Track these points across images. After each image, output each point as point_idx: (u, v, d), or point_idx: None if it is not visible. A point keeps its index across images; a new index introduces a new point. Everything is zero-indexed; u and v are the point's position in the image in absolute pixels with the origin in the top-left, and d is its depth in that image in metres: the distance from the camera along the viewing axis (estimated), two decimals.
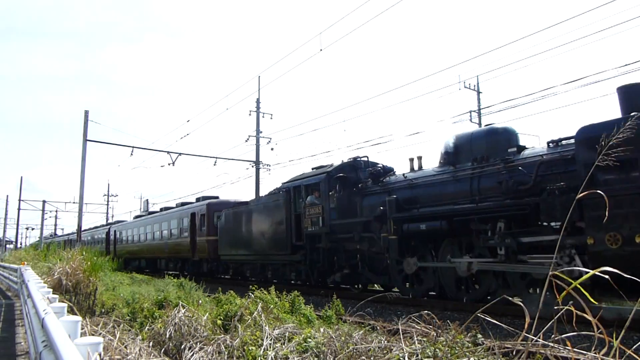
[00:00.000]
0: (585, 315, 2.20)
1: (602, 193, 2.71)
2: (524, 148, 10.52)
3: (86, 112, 23.11)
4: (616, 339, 2.15)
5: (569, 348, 2.44)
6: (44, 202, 59.84)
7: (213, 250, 21.66)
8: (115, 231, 38.41)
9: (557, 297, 2.28)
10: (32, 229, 76.74)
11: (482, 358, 3.45)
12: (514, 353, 2.71)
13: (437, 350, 3.55)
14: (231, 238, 20.00)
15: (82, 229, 49.33)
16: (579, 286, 2.18)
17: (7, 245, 67.98)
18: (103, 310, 9.52)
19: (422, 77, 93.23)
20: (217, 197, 25.09)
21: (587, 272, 2.23)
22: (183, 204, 27.28)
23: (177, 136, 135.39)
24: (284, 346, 4.65)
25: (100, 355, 2.77)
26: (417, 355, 3.52)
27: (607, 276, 2.15)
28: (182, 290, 11.27)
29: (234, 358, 4.82)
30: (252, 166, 29.16)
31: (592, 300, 2.17)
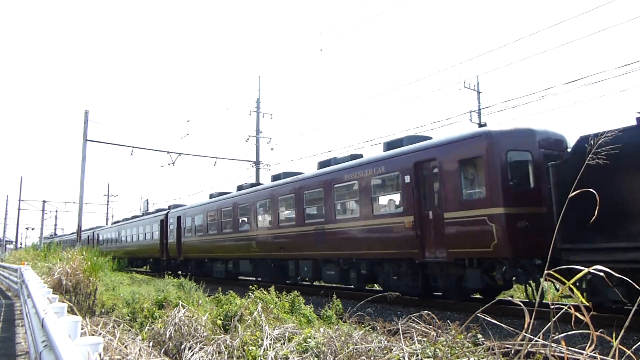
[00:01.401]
0: (579, 315, 2.20)
1: (594, 192, 2.72)
2: None
3: (86, 112, 23.17)
4: (615, 339, 2.16)
5: (568, 348, 2.45)
6: (44, 202, 60.03)
7: (516, 239, 9.22)
8: (179, 218, 24.51)
9: (550, 297, 2.28)
10: (32, 229, 76.99)
11: (482, 358, 3.45)
12: (514, 353, 2.71)
13: (437, 350, 3.55)
14: None
15: (119, 220, 40.90)
16: (572, 286, 2.18)
17: (7, 245, 68.02)
18: (103, 310, 9.53)
19: (422, 77, 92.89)
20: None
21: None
22: (353, 156, 14.21)
23: (177, 136, 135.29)
24: (284, 346, 4.66)
25: (100, 355, 2.77)
26: (417, 355, 3.53)
27: (602, 274, 2.15)
28: (182, 290, 11.27)
29: (234, 358, 4.82)
30: (252, 166, 29.21)
31: (583, 300, 2.18)
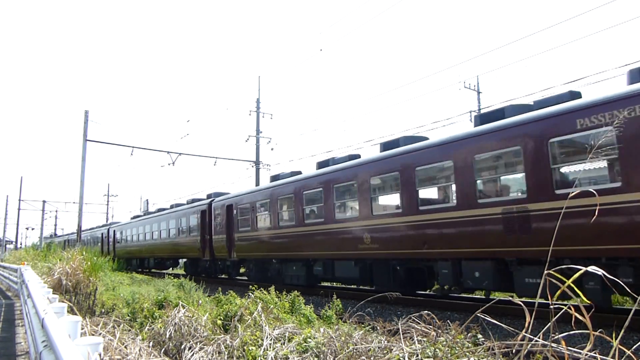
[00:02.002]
0: (578, 315, 2.20)
1: (593, 191, 2.73)
2: None
3: (86, 112, 23.18)
4: (615, 339, 2.15)
5: (568, 348, 2.45)
6: (44, 202, 60.07)
7: None
8: (229, 208, 19.45)
9: (550, 297, 2.29)
10: (32, 229, 77.08)
11: (482, 358, 3.45)
12: (514, 353, 2.71)
13: (437, 350, 3.55)
14: None
15: (139, 215, 35.79)
16: (572, 285, 2.18)
17: (7, 245, 68.07)
18: (103, 310, 9.53)
19: (422, 77, 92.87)
20: None
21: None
22: (574, 94, 9.20)
23: (177, 136, 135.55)
24: (284, 346, 4.65)
25: (100, 355, 2.77)
26: (417, 355, 3.53)
27: (600, 273, 2.15)
28: (182, 290, 11.26)
29: (234, 358, 4.82)
30: (252, 166, 29.22)
31: (584, 299, 2.18)
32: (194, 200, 24.58)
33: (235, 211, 18.93)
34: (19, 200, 55.88)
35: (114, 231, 36.38)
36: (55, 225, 76.45)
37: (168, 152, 26.11)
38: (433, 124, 30.11)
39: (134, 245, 32.03)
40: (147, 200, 53.01)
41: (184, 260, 26.49)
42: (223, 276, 21.57)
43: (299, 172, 16.58)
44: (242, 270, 20.03)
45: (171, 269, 29.92)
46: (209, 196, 23.01)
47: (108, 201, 62.65)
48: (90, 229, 47.07)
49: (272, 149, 31.70)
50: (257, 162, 29.10)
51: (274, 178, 17.67)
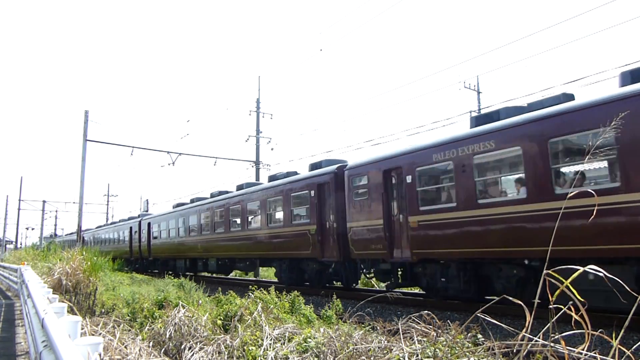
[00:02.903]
0: (576, 317, 2.20)
1: (591, 191, 2.73)
2: None
3: (86, 112, 23.17)
4: (615, 339, 2.16)
5: (568, 347, 2.45)
6: (44, 202, 60.13)
7: None
8: (390, 172, 11.84)
9: (550, 297, 2.29)
10: (32, 229, 77.13)
11: (482, 358, 3.46)
12: (514, 353, 2.71)
13: (437, 350, 3.55)
14: None
15: (183, 203, 26.26)
16: (570, 285, 2.19)
17: (7, 245, 68.09)
18: (103, 310, 9.54)
19: (422, 77, 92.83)
20: None
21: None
22: None
23: (177, 136, 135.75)
24: (284, 346, 4.66)
25: (100, 355, 2.77)
26: (417, 355, 3.53)
27: (600, 273, 2.15)
28: (182, 290, 11.27)
29: (234, 358, 4.82)
30: (252, 166, 29.22)
31: (580, 298, 2.18)
32: (288, 174, 16.80)
33: (408, 178, 11.22)
34: (19, 200, 55.95)
35: (148, 224, 28.72)
36: (55, 225, 76.55)
37: (168, 152, 26.12)
38: (433, 124, 30.11)
39: (182, 241, 24.01)
40: (147, 200, 53.02)
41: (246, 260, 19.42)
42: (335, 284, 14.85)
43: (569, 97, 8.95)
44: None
45: (245, 273, 21.98)
46: (314, 166, 15.47)
47: (108, 201, 62.71)
48: (112, 224, 40.36)
49: (272, 149, 31.77)
50: (257, 162, 29.10)
51: (480, 120, 10.27)
